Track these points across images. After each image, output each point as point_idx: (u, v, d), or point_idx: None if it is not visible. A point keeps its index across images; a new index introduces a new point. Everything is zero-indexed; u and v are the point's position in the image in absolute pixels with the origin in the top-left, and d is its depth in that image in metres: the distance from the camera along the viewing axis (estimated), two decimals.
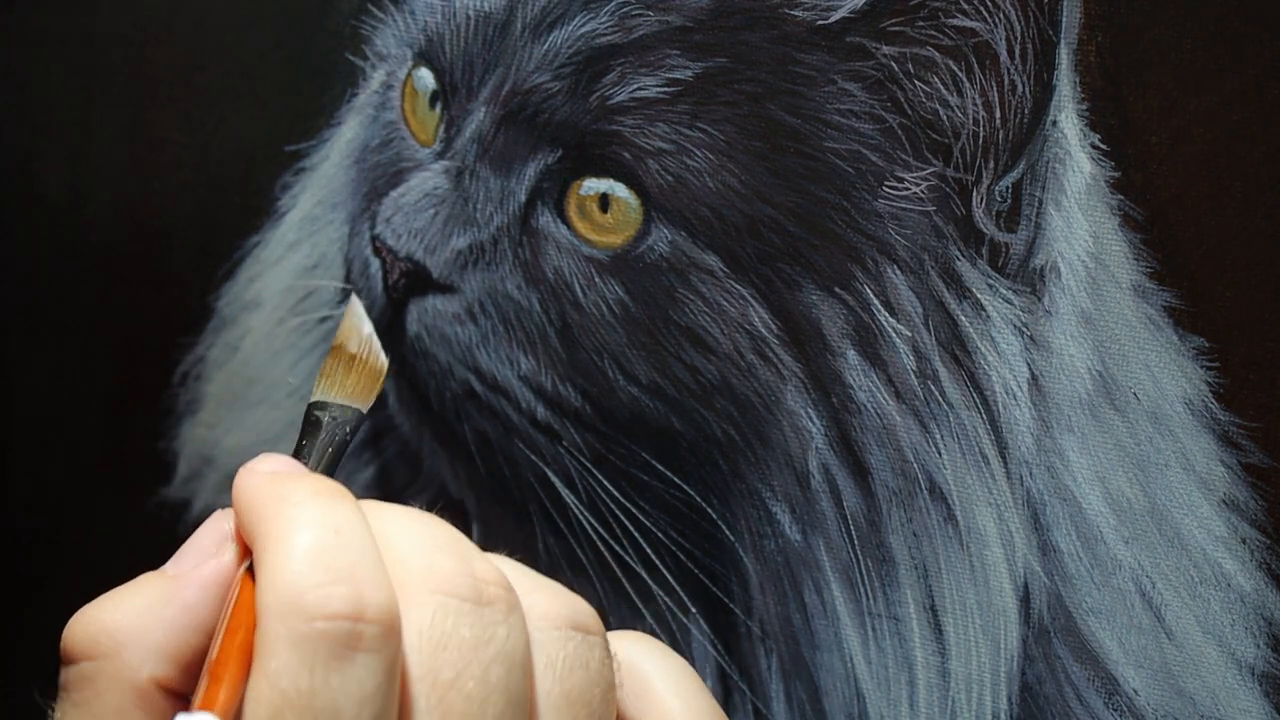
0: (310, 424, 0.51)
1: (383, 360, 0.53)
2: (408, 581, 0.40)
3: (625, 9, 0.56)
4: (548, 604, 0.43)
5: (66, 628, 0.42)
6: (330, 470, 0.51)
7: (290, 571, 0.39)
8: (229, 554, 0.43)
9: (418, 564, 0.41)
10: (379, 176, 0.63)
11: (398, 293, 0.60)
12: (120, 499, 0.76)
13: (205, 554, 0.43)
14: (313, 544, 0.39)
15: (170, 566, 0.43)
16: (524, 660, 0.41)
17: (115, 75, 0.74)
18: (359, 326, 0.54)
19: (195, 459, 0.74)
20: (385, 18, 0.64)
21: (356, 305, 0.54)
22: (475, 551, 0.42)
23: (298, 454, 0.51)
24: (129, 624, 0.41)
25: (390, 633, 0.38)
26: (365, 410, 0.52)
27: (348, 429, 0.51)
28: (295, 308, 0.69)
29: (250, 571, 0.41)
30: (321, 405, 0.52)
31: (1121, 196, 0.50)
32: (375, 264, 0.61)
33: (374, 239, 0.61)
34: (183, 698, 0.41)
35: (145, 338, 0.74)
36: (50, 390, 0.80)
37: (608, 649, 0.43)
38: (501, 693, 0.39)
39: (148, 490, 0.75)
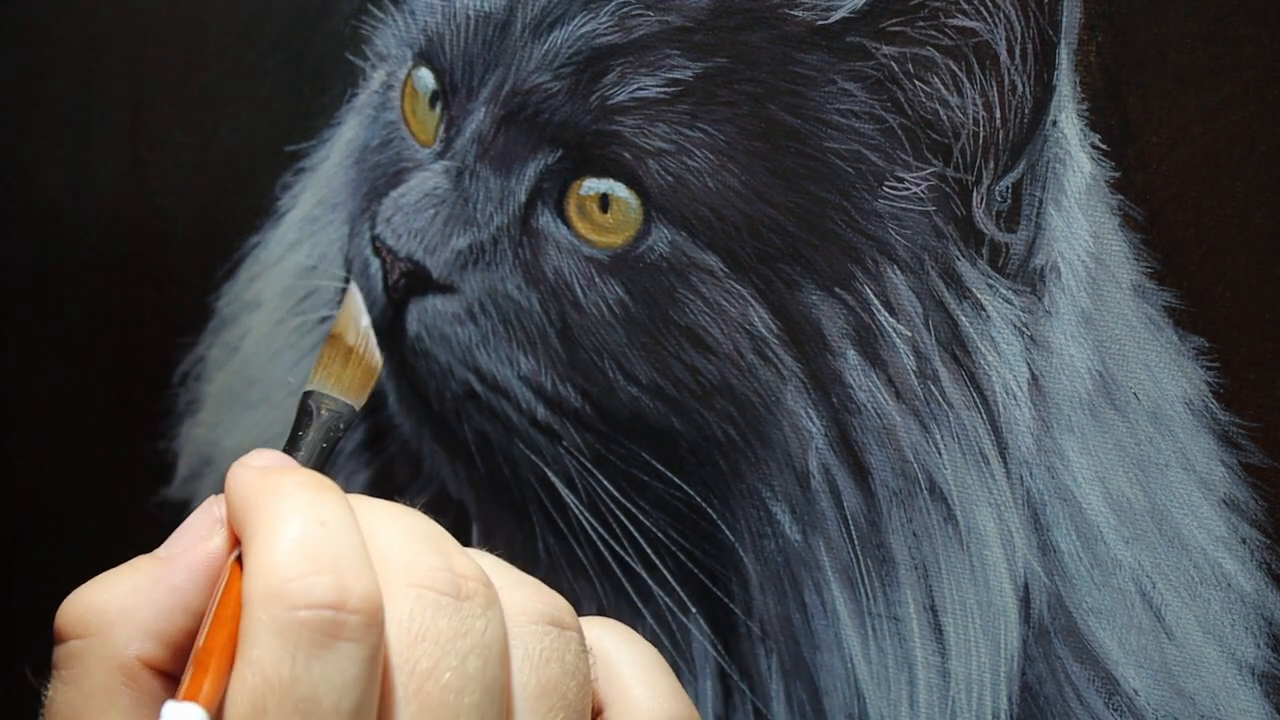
0: (305, 414, 0.52)
1: (378, 358, 0.54)
2: (389, 575, 0.41)
3: (625, 9, 0.56)
4: (525, 599, 0.43)
5: (60, 608, 0.42)
6: (321, 464, 0.51)
7: (276, 561, 0.40)
8: (218, 539, 0.44)
9: (399, 558, 0.42)
10: (379, 176, 0.63)
11: (398, 293, 0.60)
12: (120, 499, 0.76)
13: (196, 538, 0.44)
14: (299, 535, 0.40)
15: (162, 550, 0.44)
16: (501, 653, 0.41)
17: (115, 75, 0.74)
18: (357, 318, 0.54)
19: (195, 459, 0.74)
20: (385, 18, 0.64)
21: (356, 296, 0.55)
22: (456, 547, 0.43)
23: (292, 442, 0.52)
24: (117, 604, 0.42)
25: (372, 623, 0.39)
26: (359, 407, 0.53)
27: (341, 425, 0.52)
28: (295, 308, 0.69)
29: (239, 561, 0.41)
30: (316, 396, 0.52)
31: (1121, 196, 0.50)
32: (375, 264, 0.61)
33: (374, 239, 0.61)
34: (170, 677, 0.42)
35: (145, 338, 0.74)
36: (51, 390, 0.80)
37: (583, 644, 0.44)
38: (478, 683, 0.40)
39: (148, 490, 0.75)
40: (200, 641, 0.40)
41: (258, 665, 0.38)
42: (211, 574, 0.43)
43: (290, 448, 0.52)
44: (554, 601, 0.44)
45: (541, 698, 0.42)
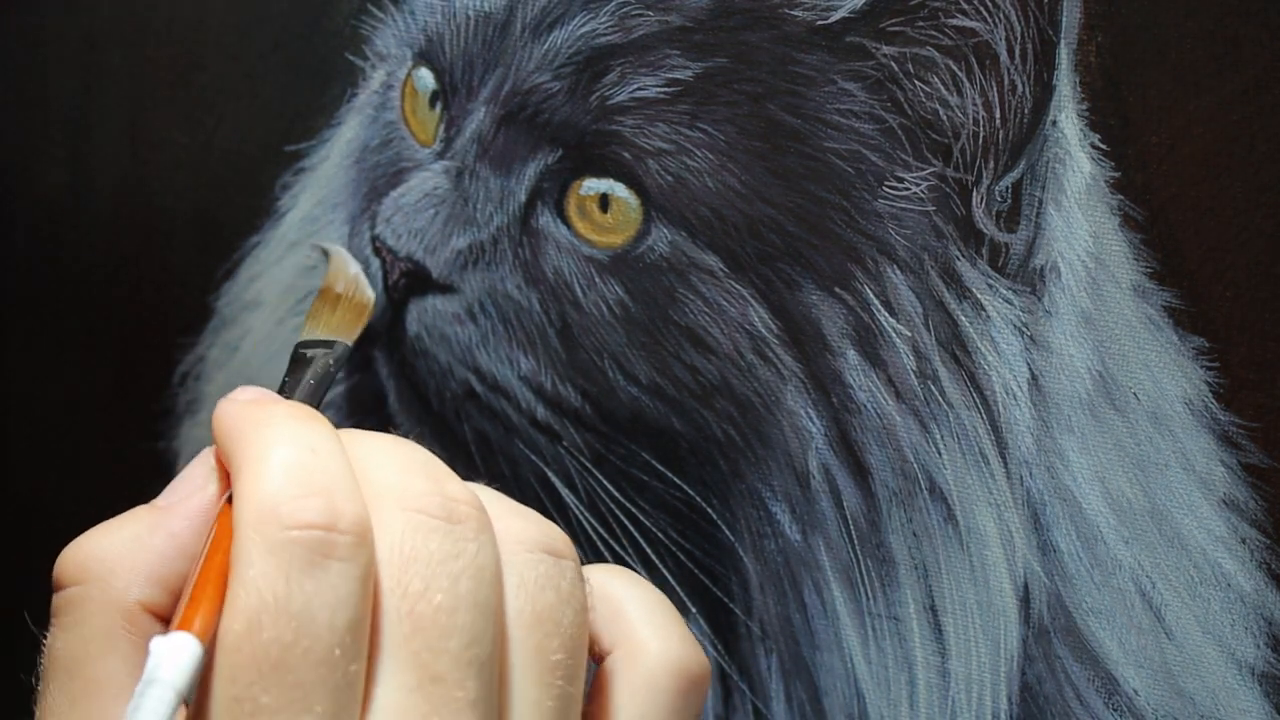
0: (295, 362, 0.52)
1: (369, 294, 0.53)
2: (380, 499, 0.41)
3: (625, 9, 0.56)
4: (521, 527, 0.43)
5: (60, 556, 0.42)
6: (315, 403, 0.51)
7: (266, 485, 0.40)
8: (214, 485, 0.44)
9: (390, 483, 0.42)
10: (379, 176, 0.63)
11: (398, 293, 0.60)
12: (120, 499, 0.76)
13: (194, 486, 0.44)
14: (288, 459, 0.40)
15: (160, 500, 0.45)
16: (494, 577, 0.41)
17: (115, 75, 0.74)
18: (345, 268, 0.53)
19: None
20: (385, 18, 0.64)
21: (340, 251, 0.54)
22: (449, 474, 0.43)
23: (281, 390, 0.51)
24: (117, 551, 0.42)
25: (362, 543, 0.39)
26: (350, 343, 0.52)
27: (330, 361, 0.52)
28: (295, 308, 0.69)
29: (230, 501, 0.42)
30: (306, 344, 0.52)
31: (1121, 196, 0.50)
32: (375, 264, 0.61)
33: (374, 239, 0.61)
34: (170, 622, 0.42)
35: (145, 338, 0.74)
36: (50, 390, 0.80)
37: (580, 573, 0.44)
38: (471, 604, 0.40)
39: (148, 490, 0.75)
40: (193, 578, 0.40)
41: (252, 584, 0.38)
42: (210, 520, 0.43)
43: (280, 390, 0.51)
44: (550, 530, 0.44)
45: (536, 624, 0.42)
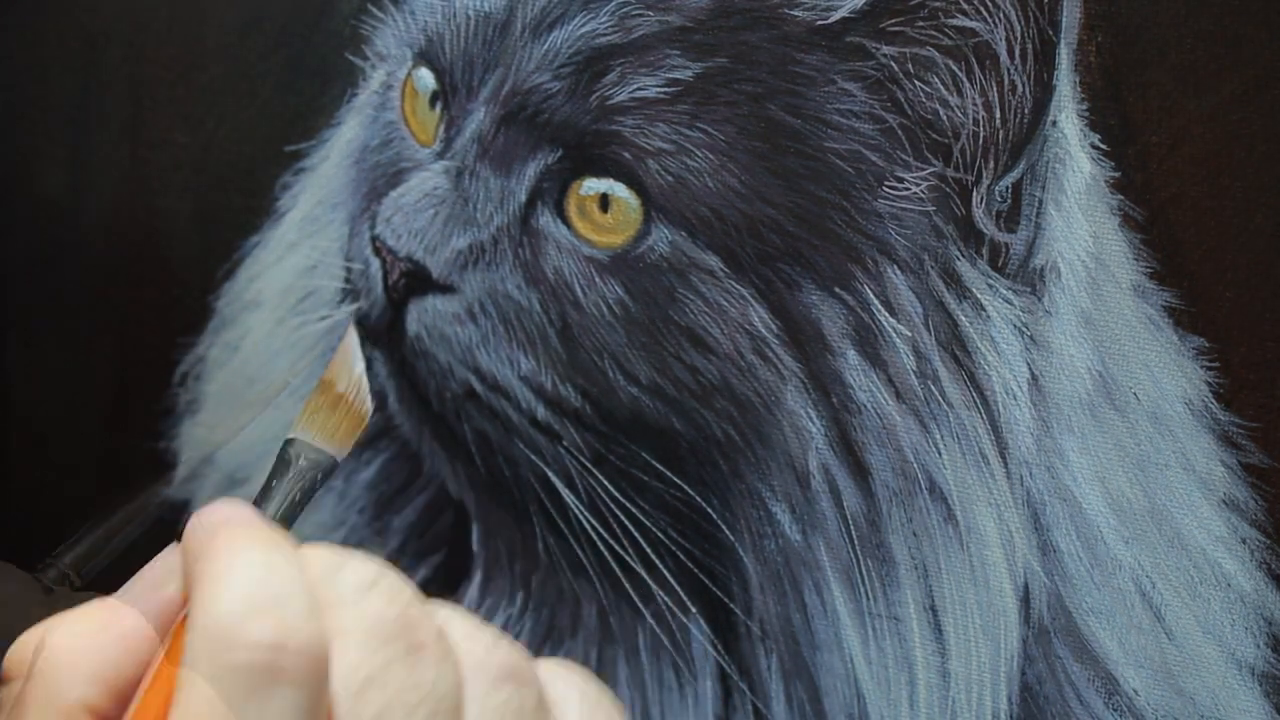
0: (282, 463, 0.51)
1: (368, 406, 0.52)
2: (340, 622, 0.40)
3: (625, 9, 0.56)
4: (483, 654, 0.43)
5: (12, 645, 0.42)
6: (295, 513, 0.50)
7: (218, 605, 0.39)
8: (173, 586, 0.43)
9: (351, 606, 0.41)
10: (379, 176, 0.63)
11: (398, 293, 0.60)
12: (120, 499, 0.76)
13: (151, 585, 0.43)
14: (243, 581, 0.40)
15: (117, 596, 0.44)
16: (453, 707, 0.41)
17: (115, 75, 0.74)
18: (351, 364, 0.53)
19: (195, 459, 0.74)
20: (385, 18, 0.64)
21: (352, 339, 0.54)
22: (413, 599, 0.43)
23: (264, 492, 0.51)
24: (64, 646, 0.41)
25: (314, 666, 0.39)
26: (340, 458, 0.52)
27: (319, 475, 0.51)
28: (295, 307, 0.69)
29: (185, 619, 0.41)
30: (297, 445, 0.51)
31: (1121, 196, 0.50)
32: (375, 264, 0.61)
33: (374, 239, 0.61)
34: None
35: (145, 338, 0.74)
36: (50, 390, 0.80)
37: (542, 698, 0.43)
38: None
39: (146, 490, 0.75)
40: (137, 697, 0.40)
41: (194, 712, 0.37)
42: (162, 622, 0.42)
43: (262, 497, 0.50)
44: (512, 655, 0.43)
45: None
